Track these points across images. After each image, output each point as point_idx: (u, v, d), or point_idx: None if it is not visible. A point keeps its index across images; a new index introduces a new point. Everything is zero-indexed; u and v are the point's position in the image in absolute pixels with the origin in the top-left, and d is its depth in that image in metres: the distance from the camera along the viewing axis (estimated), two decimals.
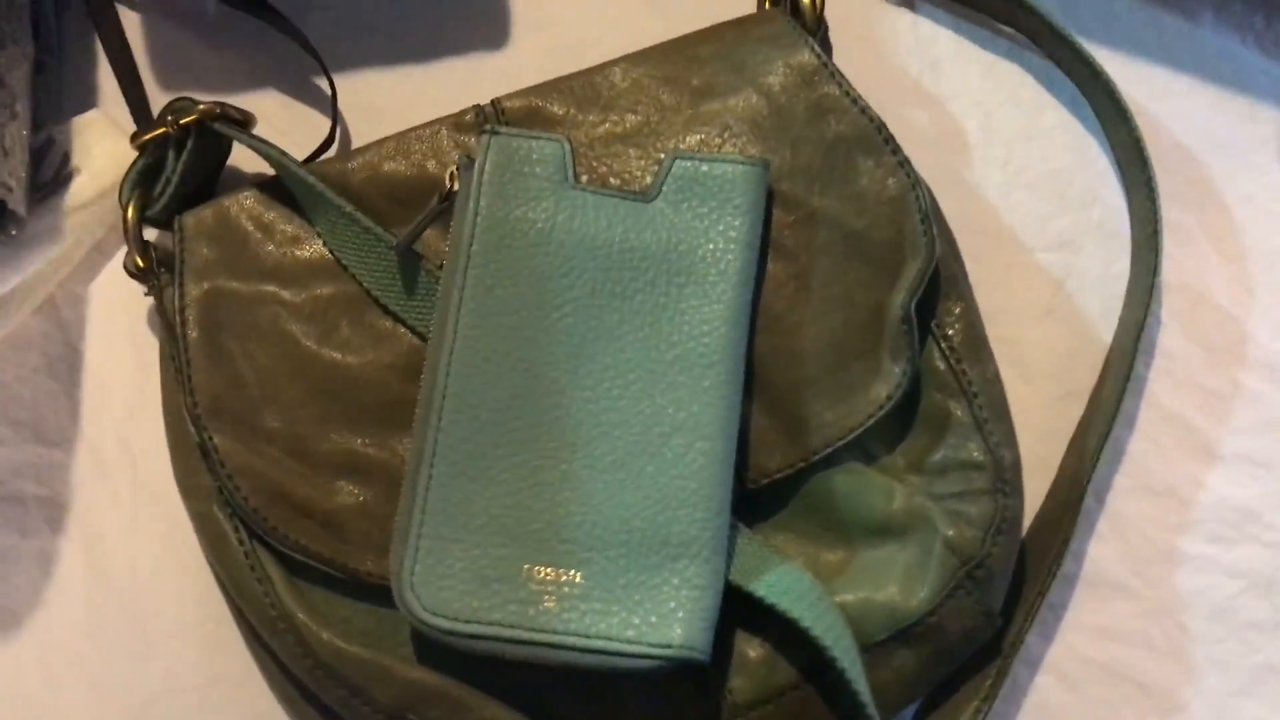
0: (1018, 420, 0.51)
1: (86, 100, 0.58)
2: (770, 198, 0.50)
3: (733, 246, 0.48)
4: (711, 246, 0.48)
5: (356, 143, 0.57)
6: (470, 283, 0.47)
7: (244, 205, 0.51)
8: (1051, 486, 0.53)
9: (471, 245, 0.48)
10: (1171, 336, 0.55)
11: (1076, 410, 0.54)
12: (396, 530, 0.46)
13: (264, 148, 0.51)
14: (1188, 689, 0.51)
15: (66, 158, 0.55)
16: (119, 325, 0.55)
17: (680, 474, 0.46)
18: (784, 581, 0.46)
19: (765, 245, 0.50)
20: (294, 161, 0.51)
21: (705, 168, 0.49)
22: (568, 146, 0.49)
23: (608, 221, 0.48)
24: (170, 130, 0.51)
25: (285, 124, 0.57)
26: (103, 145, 0.55)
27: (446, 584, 0.45)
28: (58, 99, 0.57)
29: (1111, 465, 0.54)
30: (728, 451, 0.46)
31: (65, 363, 0.55)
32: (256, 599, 0.48)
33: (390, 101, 0.58)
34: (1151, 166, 0.54)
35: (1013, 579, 0.50)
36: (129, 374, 0.54)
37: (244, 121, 0.53)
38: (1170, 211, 0.56)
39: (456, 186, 0.49)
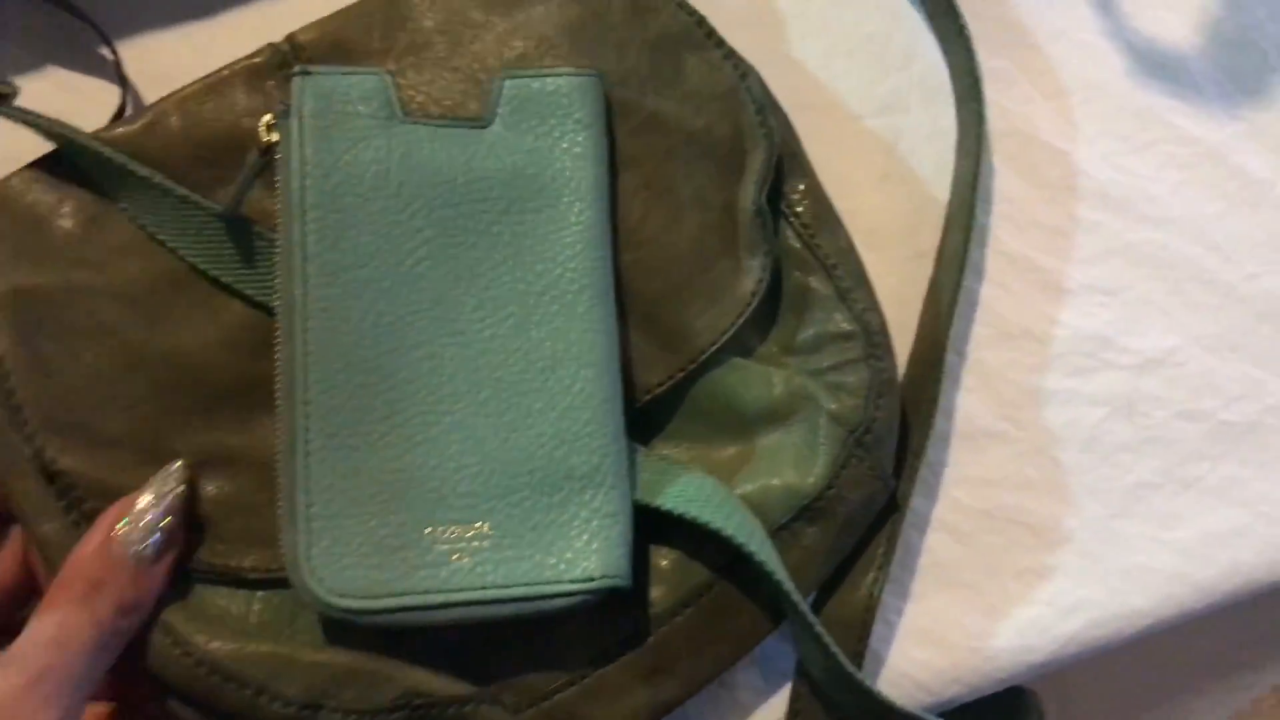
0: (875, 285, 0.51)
1: None
2: (608, 108, 0.48)
3: (581, 164, 0.47)
4: (559, 166, 0.46)
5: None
6: (311, 240, 0.44)
7: (28, 187, 0.47)
8: (913, 347, 0.54)
9: (305, 199, 0.45)
10: (1007, 180, 0.56)
11: (926, 269, 0.55)
12: (282, 516, 0.43)
13: (39, 120, 0.46)
14: (1070, 520, 0.53)
15: None
16: None
17: (570, 405, 0.45)
18: (686, 489, 0.46)
19: (613, 157, 0.48)
20: (80, 133, 0.46)
21: (537, 84, 0.47)
22: (389, 79, 0.46)
23: (446, 154, 0.46)
24: None
25: (69, 105, 0.52)
26: None
27: (348, 562, 0.43)
28: None
29: (967, 317, 0.54)
30: (614, 374, 0.46)
31: None
32: None
33: (179, 61, 0.54)
34: (962, 16, 0.54)
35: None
36: None
37: (2, 93, 0.47)
38: (988, 58, 0.56)
39: (275, 138, 0.46)
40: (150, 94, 0.54)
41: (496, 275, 0.45)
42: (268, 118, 0.46)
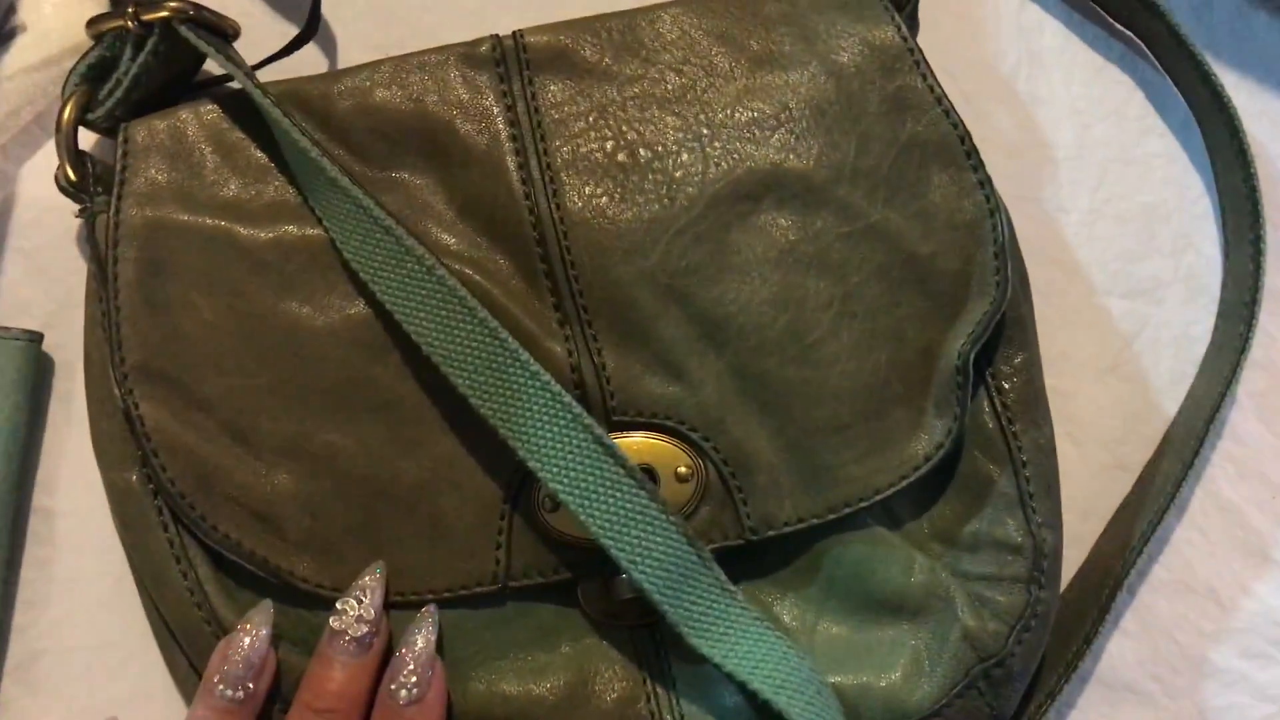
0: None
1: None
2: (831, 202, 0.42)
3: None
4: None
5: (346, 44, 0.49)
6: None
7: (206, 120, 0.43)
8: (1082, 570, 0.47)
9: None
10: (1244, 417, 0.49)
11: (1124, 486, 0.48)
12: None
13: (236, 71, 0.42)
14: None
15: (12, 8, 0.47)
16: (53, 216, 0.47)
17: None
18: (781, 670, 0.39)
19: (33, 428, 0.46)
20: (270, 99, 0.41)
21: None
22: None
23: None
24: (129, 25, 0.42)
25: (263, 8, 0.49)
26: (56, 2, 0.47)
27: None
28: None
29: (1151, 553, 0.47)
30: None
31: None
32: (178, 592, 0.41)
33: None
34: (1264, 224, 0.47)
35: None
36: (54, 277, 0.47)
37: (222, 30, 0.43)
38: (1272, 274, 0.48)
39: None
40: (352, 22, 0.49)
41: None
42: None
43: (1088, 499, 0.48)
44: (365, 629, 0.39)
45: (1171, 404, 0.49)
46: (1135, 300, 0.49)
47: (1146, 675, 0.47)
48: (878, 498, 0.42)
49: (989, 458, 0.43)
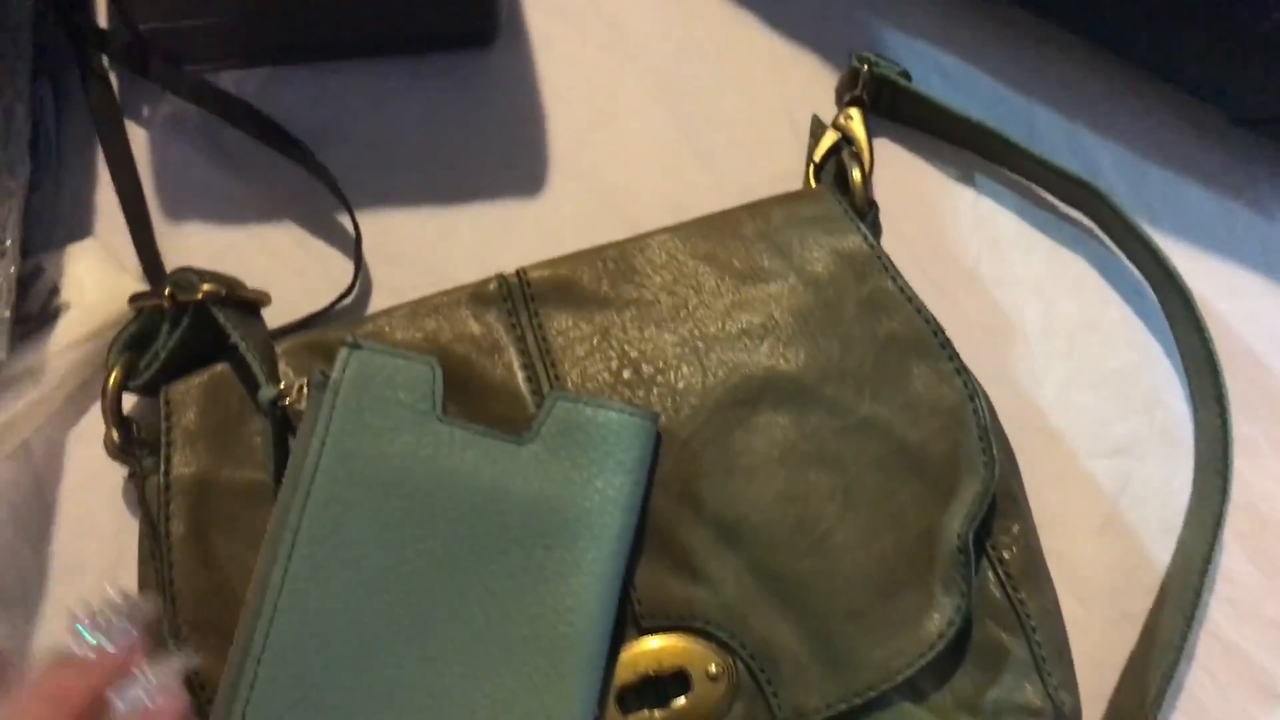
0: (1070, 643, 0.47)
1: (82, 223, 0.54)
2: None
3: (609, 508, 0.43)
4: (587, 505, 0.42)
5: (376, 287, 0.53)
6: (307, 525, 0.42)
7: (239, 374, 0.46)
8: None
9: (314, 478, 0.42)
10: (1235, 560, 0.51)
11: (1131, 634, 0.50)
12: None
13: (252, 363, 0.45)
14: None
15: (55, 290, 0.51)
16: (99, 480, 0.50)
17: None
18: None
19: (646, 506, 0.44)
20: (266, 393, 0.44)
21: (589, 413, 0.43)
22: (438, 371, 0.44)
23: (475, 464, 0.43)
24: (166, 305, 0.46)
25: (300, 263, 0.53)
26: (96, 279, 0.51)
27: None
28: (51, 222, 0.53)
29: (1167, 698, 0.49)
30: None
31: (36, 517, 0.50)
32: None
33: (415, 246, 0.54)
34: (1224, 380, 0.50)
35: None
36: (105, 536, 0.49)
37: (254, 302, 0.48)
38: (1237, 423, 0.52)
39: (302, 404, 0.44)
40: (378, 265, 0.54)
41: (486, 608, 0.42)
42: (301, 381, 0.44)
43: (1099, 652, 0.50)
44: None
45: (1163, 552, 0.51)
46: (1117, 459, 0.52)
47: None
48: (899, 678, 0.44)
49: (1000, 626, 0.46)
